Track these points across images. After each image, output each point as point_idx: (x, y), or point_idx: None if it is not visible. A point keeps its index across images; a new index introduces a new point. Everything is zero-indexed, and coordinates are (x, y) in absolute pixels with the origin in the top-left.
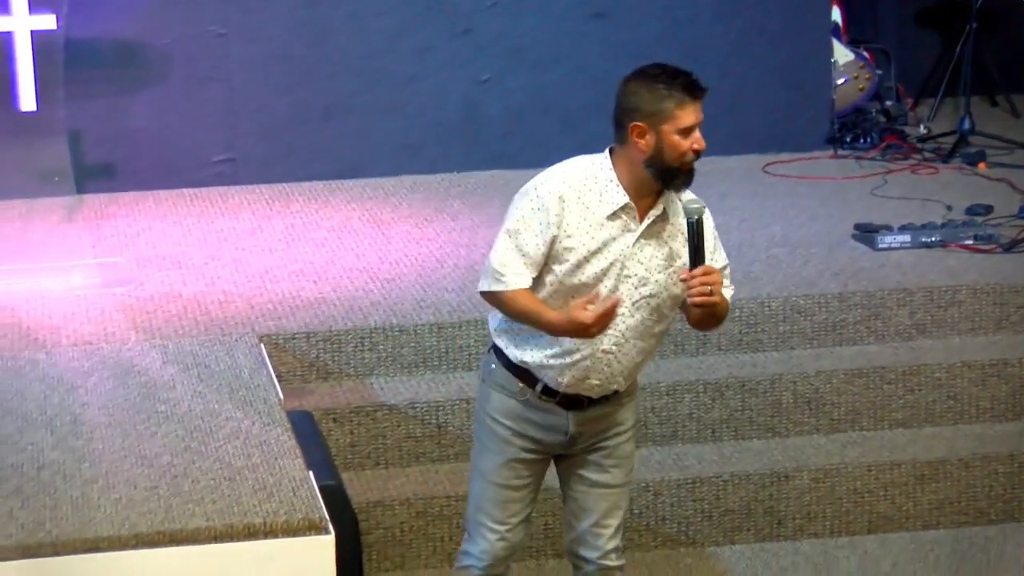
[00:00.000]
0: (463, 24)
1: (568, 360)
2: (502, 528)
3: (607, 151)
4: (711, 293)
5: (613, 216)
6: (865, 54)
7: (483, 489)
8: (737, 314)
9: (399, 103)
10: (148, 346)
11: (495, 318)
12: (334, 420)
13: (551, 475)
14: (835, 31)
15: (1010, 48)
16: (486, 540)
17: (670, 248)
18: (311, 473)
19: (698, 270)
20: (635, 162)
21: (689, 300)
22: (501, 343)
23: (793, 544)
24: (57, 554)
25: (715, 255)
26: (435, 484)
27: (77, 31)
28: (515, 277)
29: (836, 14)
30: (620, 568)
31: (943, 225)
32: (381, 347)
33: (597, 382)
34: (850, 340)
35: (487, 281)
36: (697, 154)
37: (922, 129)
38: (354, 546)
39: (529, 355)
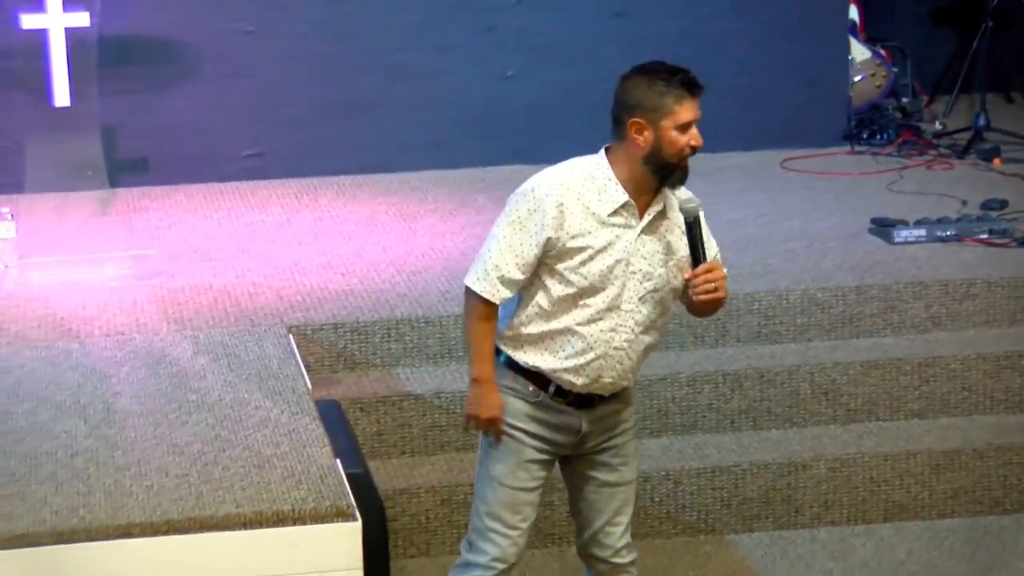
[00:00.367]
0: (487, 21)
1: (582, 360)
2: (515, 533)
3: (603, 150)
4: (716, 290)
5: (614, 214)
6: (882, 52)
7: (496, 494)
8: (756, 306)
9: (424, 99)
10: (179, 336)
11: (504, 325)
12: (361, 409)
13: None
14: (852, 29)
15: None
16: (498, 546)
17: (668, 242)
18: (338, 461)
19: (701, 268)
20: (633, 159)
21: (695, 298)
22: (508, 348)
23: (810, 532)
24: (90, 540)
25: (708, 243)
26: (460, 472)
27: (110, 28)
28: (506, 286)
29: (853, 12)
30: (633, 563)
31: (958, 220)
32: (407, 338)
33: (610, 380)
34: (866, 332)
35: (479, 280)
36: (694, 150)
37: (938, 125)
38: (380, 533)
39: (542, 360)
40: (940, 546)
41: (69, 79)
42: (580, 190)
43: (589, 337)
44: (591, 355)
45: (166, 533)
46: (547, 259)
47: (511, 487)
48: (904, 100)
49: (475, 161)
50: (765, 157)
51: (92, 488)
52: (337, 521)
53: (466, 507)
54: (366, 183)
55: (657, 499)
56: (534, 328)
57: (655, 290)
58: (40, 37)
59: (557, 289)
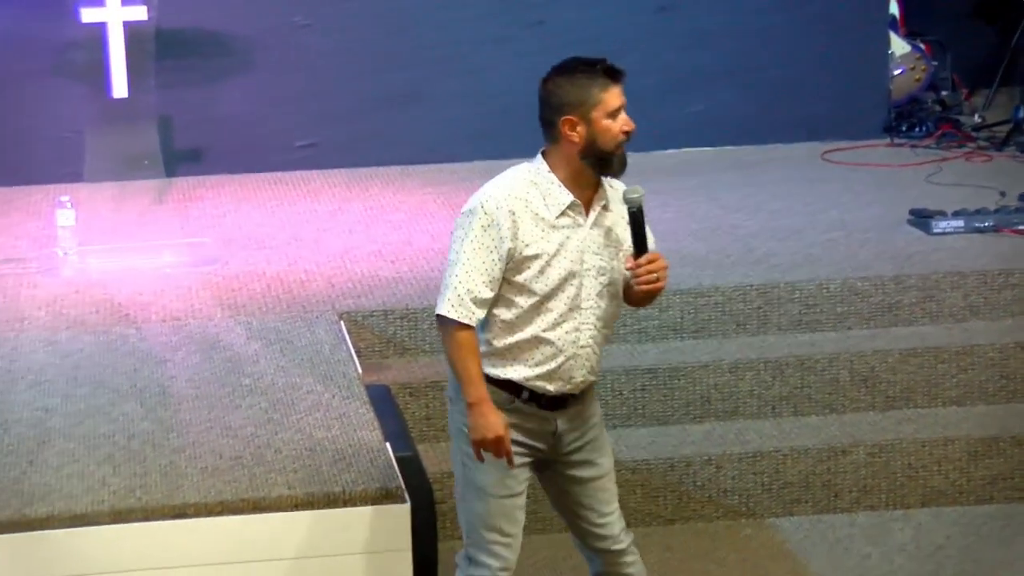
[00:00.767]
0: (536, 16)
1: (553, 365)
2: (513, 539)
3: (539, 155)
4: (657, 280)
5: (562, 215)
6: (921, 46)
7: (489, 506)
8: (796, 295)
9: (473, 91)
10: (233, 322)
11: None
12: (410, 394)
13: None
14: (893, 24)
15: None
16: (501, 557)
17: (615, 234)
18: (388, 444)
19: (643, 258)
20: (571, 157)
21: (637, 287)
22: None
23: (849, 516)
24: (147, 519)
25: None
26: None
27: (167, 21)
28: (477, 305)
29: (894, 7)
30: (633, 542)
31: (996, 211)
32: None
33: (581, 379)
34: (905, 321)
35: (454, 307)
36: (628, 136)
37: (977, 118)
38: (429, 515)
39: (514, 371)
40: (978, 532)
41: (127, 71)
42: (527, 198)
43: (557, 342)
44: (561, 358)
45: (220, 513)
46: (506, 272)
47: (501, 497)
48: (943, 93)
49: (523, 152)
50: (806, 149)
51: (148, 469)
52: (386, 503)
53: None
54: (416, 173)
55: (699, 483)
56: (500, 342)
57: (610, 283)
58: (99, 30)
59: (520, 300)
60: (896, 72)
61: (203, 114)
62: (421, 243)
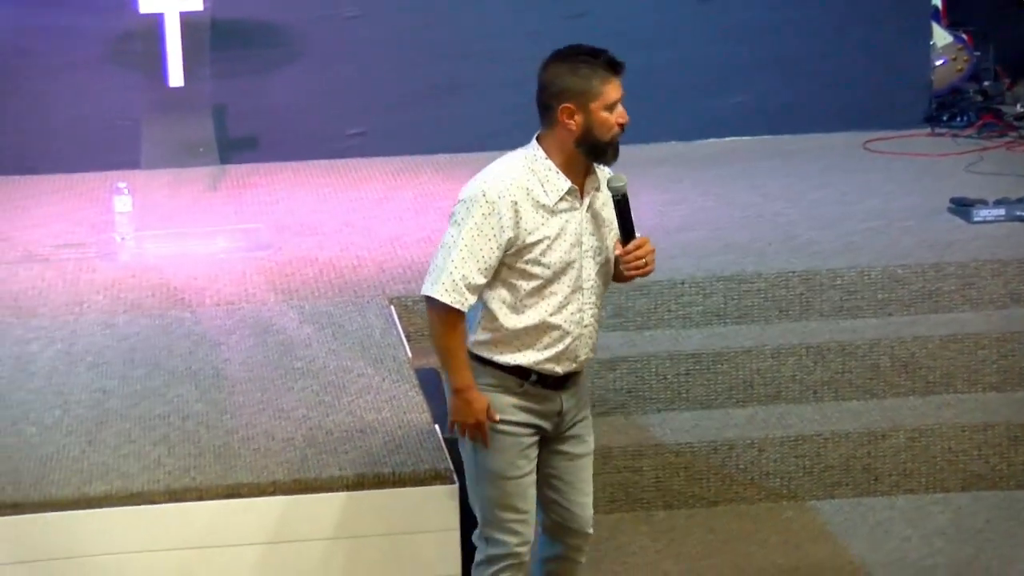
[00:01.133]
0: (577, 8)
1: (561, 347)
2: (526, 515)
3: (534, 140)
4: (646, 264)
5: (560, 201)
6: (964, 36)
7: (502, 488)
8: (838, 282)
9: (519, 81)
10: (286, 306)
11: (473, 331)
12: None
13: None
14: (935, 14)
15: None
16: (518, 533)
17: (605, 215)
18: (437, 427)
19: (632, 244)
20: (566, 143)
21: (627, 273)
22: (484, 352)
23: (889, 499)
24: (201, 499)
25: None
26: None
27: (222, 12)
28: (470, 291)
29: None
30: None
31: None
32: None
33: (584, 356)
34: (945, 308)
35: (447, 292)
36: (622, 128)
37: (1019, 108)
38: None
39: (522, 357)
40: (1018, 516)
41: (183, 61)
42: (527, 185)
43: (563, 324)
44: (568, 340)
45: (272, 494)
46: (506, 258)
47: (515, 477)
48: (985, 83)
49: None
50: (848, 139)
51: (203, 450)
52: (435, 484)
53: None
54: (463, 161)
55: (742, 466)
56: (507, 327)
57: (606, 262)
58: (157, 21)
59: (522, 284)
60: (938, 62)
61: (256, 103)
62: None
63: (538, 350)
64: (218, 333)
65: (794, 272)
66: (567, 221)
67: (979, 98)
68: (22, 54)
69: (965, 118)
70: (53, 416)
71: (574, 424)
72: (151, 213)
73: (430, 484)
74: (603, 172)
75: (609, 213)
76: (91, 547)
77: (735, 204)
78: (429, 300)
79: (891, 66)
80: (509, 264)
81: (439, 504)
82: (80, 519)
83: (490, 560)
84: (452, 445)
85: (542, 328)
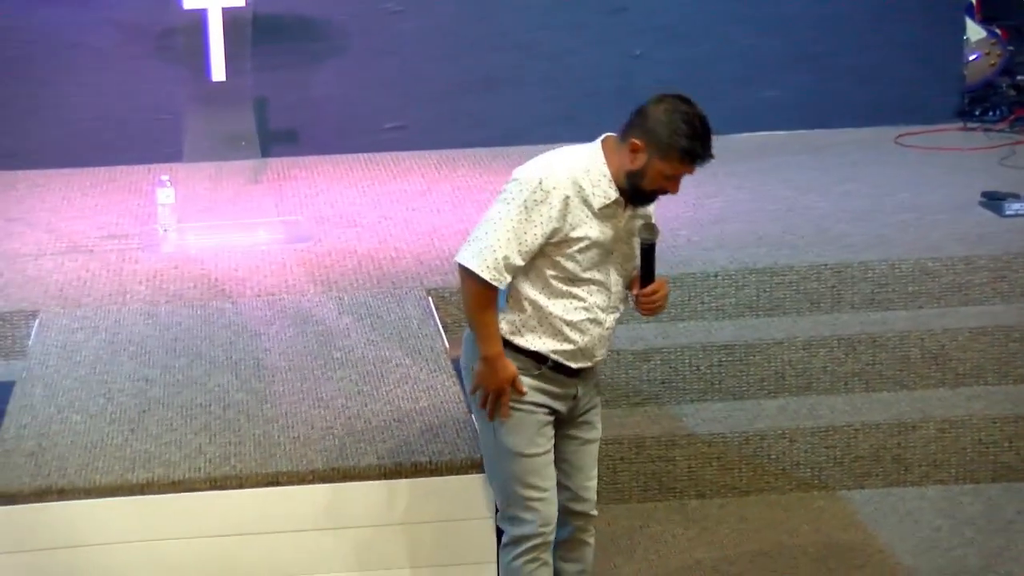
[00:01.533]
0: (618, 2)
1: (581, 345)
2: (550, 494)
3: (600, 141)
4: (658, 308)
5: (605, 207)
6: (997, 31)
7: (523, 466)
8: (869, 275)
9: (556, 75)
10: (325, 297)
11: (500, 310)
12: None
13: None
14: (968, 9)
15: None
16: (540, 512)
17: (634, 225)
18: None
19: (649, 288)
20: (621, 166)
21: (638, 311)
22: (506, 335)
23: (919, 490)
24: (241, 487)
25: None
26: None
27: (264, 7)
28: (508, 272)
29: None
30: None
31: None
32: None
33: (600, 356)
34: (976, 300)
35: (487, 268)
36: (666, 193)
37: None
38: None
39: (541, 344)
40: None
41: (225, 55)
42: (581, 183)
43: (584, 324)
44: (587, 338)
45: (311, 482)
46: (546, 247)
47: (534, 455)
48: (1019, 78)
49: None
50: (880, 133)
51: (243, 438)
52: (471, 473)
53: None
54: (501, 155)
55: (773, 456)
56: (531, 316)
57: (633, 268)
58: (200, 16)
59: (554, 276)
60: (971, 57)
61: (297, 97)
62: None
63: (557, 341)
64: (258, 323)
65: (826, 265)
66: (606, 227)
67: (1012, 92)
68: (71, 48)
69: (998, 112)
70: (97, 404)
71: (586, 411)
72: (193, 205)
73: (466, 473)
74: (645, 209)
75: (635, 224)
76: (133, 533)
77: (768, 197)
78: (466, 270)
79: (923, 60)
80: (546, 253)
81: (475, 492)
82: (123, 505)
83: (516, 541)
84: None
85: (563, 324)
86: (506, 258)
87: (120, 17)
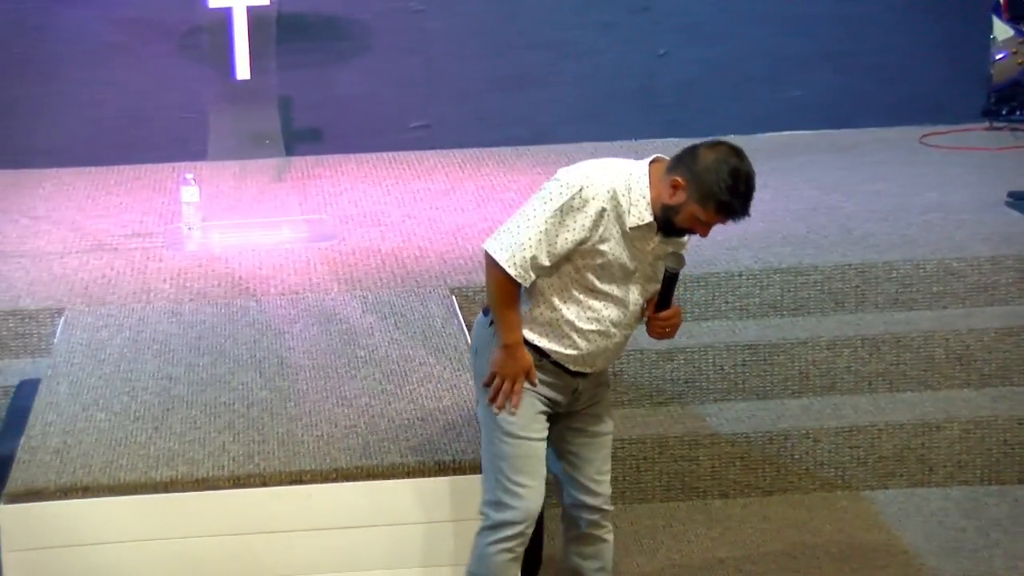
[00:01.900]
0: (643, 1)
1: (583, 352)
2: (537, 482)
3: (649, 162)
4: (670, 332)
5: (637, 228)
6: None
7: (517, 448)
8: (893, 275)
9: (581, 74)
10: (349, 296)
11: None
12: None
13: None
14: (996, 8)
15: None
16: (526, 499)
17: (663, 251)
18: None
19: (664, 313)
20: (659, 195)
21: (649, 334)
22: None
23: (943, 490)
24: (265, 485)
25: None
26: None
27: (288, 6)
28: (534, 271)
29: None
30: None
31: None
32: None
33: (601, 366)
34: (1001, 300)
35: (515, 266)
36: (693, 234)
37: None
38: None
39: (545, 343)
40: None
41: (250, 54)
42: (620, 199)
43: (592, 335)
44: (592, 348)
45: (334, 480)
46: (573, 253)
47: (529, 439)
48: None
49: (629, 133)
50: (904, 133)
51: (267, 437)
52: None
53: (616, 461)
54: (526, 154)
55: (797, 456)
56: (543, 314)
57: (654, 290)
58: (225, 15)
59: (573, 280)
60: (998, 56)
61: (321, 96)
62: None
63: (562, 345)
64: (282, 322)
65: (850, 265)
66: (634, 247)
67: None
68: (97, 47)
69: None
70: (122, 402)
71: (591, 404)
72: (217, 203)
73: None
74: (677, 241)
75: (660, 247)
76: (157, 531)
77: (793, 197)
78: (492, 260)
79: (949, 60)
80: (571, 259)
81: None
82: (146, 503)
83: (495, 527)
84: None
85: (574, 328)
86: (534, 258)
87: (146, 16)
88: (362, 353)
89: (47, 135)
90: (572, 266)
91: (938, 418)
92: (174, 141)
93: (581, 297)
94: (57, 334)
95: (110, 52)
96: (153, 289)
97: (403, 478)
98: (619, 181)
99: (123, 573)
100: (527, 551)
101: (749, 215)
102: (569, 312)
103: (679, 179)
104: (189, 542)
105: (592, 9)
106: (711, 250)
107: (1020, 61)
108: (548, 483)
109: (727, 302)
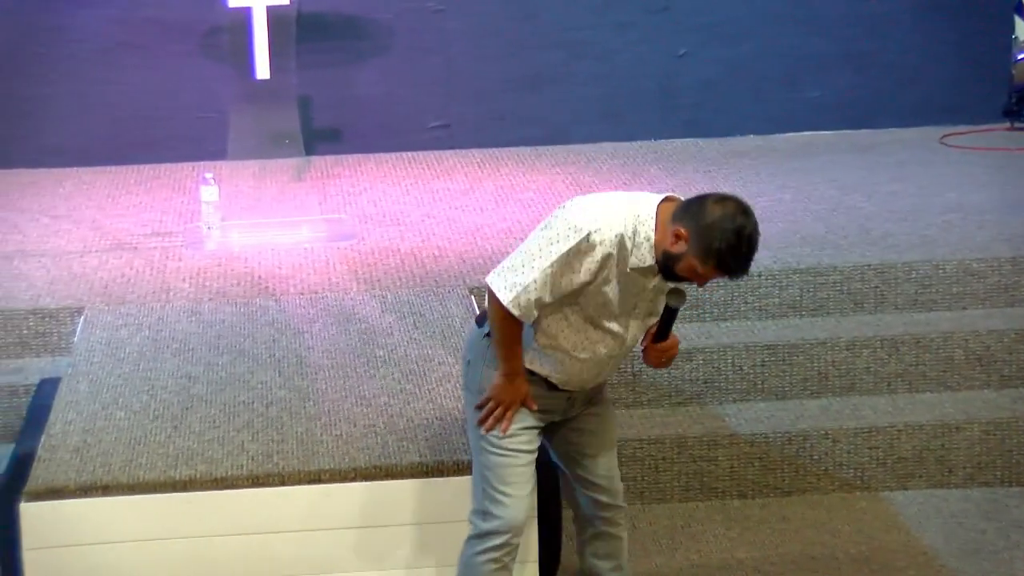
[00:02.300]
0: (662, 1)
1: (573, 376)
2: (522, 493)
3: (659, 203)
4: (665, 363)
5: (638, 269)
6: None
7: (501, 458)
8: (913, 275)
9: (601, 74)
10: (368, 295)
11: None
12: None
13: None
14: (1017, 7)
15: None
16: (512, 509)
17: (666, 286)
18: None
19: (664, 344)
20: (663, 241)
21: (645, 362)
22: None
23: (963, 492)
24: (283, 484)
25: None
26: (629, 427)
27: (308, 6)
28: (536, 309)
29: None
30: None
31: None
32: None
33: (590, 386)
34: (1022, 301)
35: (519, 307)
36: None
37: None
38: (553, 482)
39: (535, 365)
40: None
41: (270, 54)
42: (626, 243)
43: (587, 362)
44: (584, 374)
45: (353, 480)
46: (575, 292)
47: (518, 450)
48: None
49: (648, 134)
50: (924, 133)
51: (285, 436)
52: None
53: (635, 460)
54: (545, 154)
55: (816, 457)
56: (539, 341)
57: (651, 325)
58: (245, 15)
59: (572, 316)
60: (1020, 56)
61: (341, 95)
62: None
63: (555, 370)
64: (301, 321)
65: (869, 265)
66: (636, 286)
67: None
68: (117, 46)
69: None
70: (141, 401)
71: (589, 404)
72: (237, 203)
73: None
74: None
75: (662, 283)
76: (176, 529)
77: (812, 197)
78: (496, 300)
79: (970, 60)
80: (574, 294)
81: None
82: (165, 502)
83: (481, 536)
84: None
85: (568, 355)
86: (539, 300)
87: (166, 16)
88: (381, 353)
89: (67, 134)
90: (574, 299)
91: (958, 419)
92: (194, 140)
93: (580, 327)
94: (77, 333)
95: (130, 52)
96: (172, 288)
97: (422, 478)
98: (628, 224)
99: (142, 571)
100: (544, 553)
101: (748, 274)
102: (566, 342)
103: (683, 230)
104: (207, 541)
105: (612, 9)
106: None
107: None
108: (558, 486)
109: (746, 302)
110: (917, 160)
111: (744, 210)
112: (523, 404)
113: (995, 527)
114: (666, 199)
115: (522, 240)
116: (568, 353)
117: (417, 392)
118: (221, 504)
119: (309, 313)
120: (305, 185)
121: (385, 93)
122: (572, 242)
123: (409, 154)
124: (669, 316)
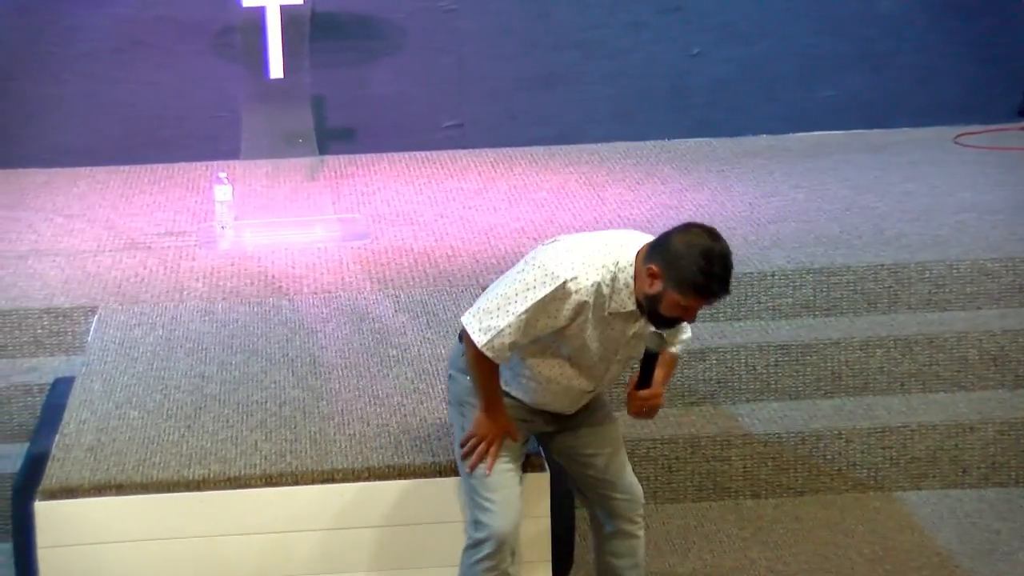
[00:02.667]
0: (675, 0)
1: (552, 403)
2: (511, 497)
3: (635, 252)
4: (648, 413)
5: (617, 314)
6: None
7: (494, 466)
8: (927, 275)
9: (614, 74)
10: (381, 295)
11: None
12: None
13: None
14: None
15: None
16: (501, 516)
17: (648, 330)
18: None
19: (645, 392)
20: (640, 288)
21: (628, 413)
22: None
23: (977, 492)
24: (296, 483)
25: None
26: (642, 427)
27: (322, 5)
28: (511, 351)
29: None
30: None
31: None
32: None
33: (571, 411)
34: None
35: (493, 349)
36: (681, 320)
37: None
38: (566, 482)
39: (514, 390)
40: None
41: (283, 53)
42: (603, 291)
43: (564, 394)
44: (564, 402)
45: (366, 479)
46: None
47: (500, 455)
48: None
49: (661, 133)
50: (938, 133)
51: (299, 435)
52: (527, 471)
53: (648, 460)
54: (558, 153)
55: (829, 457)
56: (517, 367)
57: (632, 365)
58: (258, 14)
59: (550, 355)
60: None
61: (354, 95)
62: (563, 221)
63: (524, 395)
64: (315, 321)
65: (883, 265)
66: (614, 330)
67: None
68: (131, 45)
69: None
70: (154, 400)
71: (585, 411)
72: (251, 202)
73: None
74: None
75: (644, 327)
76: (189, 529)
77: (826, 197)
78: (470, 343)
79: (984, 59)
80: (551, 335)
81: (530, 491)
82: (179, 501)
83: (476, 544)
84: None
85: (545, 387)
86: (514, 343)
87: (179, 15)
88: (394, 352)
89: (80, 134)
90: (551, 340)
91: (972, 419)
92: (207, 140)
93: (557, 365)
94: (91, 332)
95: (143, 51)
96: (186, 287)
97: (435, 477)
98: (605, 272)
99: (155, 570)
100: (557, 552)
101: (729, 293)
102: (542, 375)
103: (655, 267)
104: (220, 540)
105: (624, 8)
106: (744, 250)
107: None
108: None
109: (759, 302)
110: (931, 160)
111: (709, 232)
112: (507, 435)
113: (1010, 527)
114: (640, 250)
115: (537, 239)
116: (546, 387)
117: (430, 392)
118: (234, 503)
119: (322, 312)
120: (318, 185)
121: (398, 93)
122: (548, 289)
123: (422, 154)
124: (648, 361)
